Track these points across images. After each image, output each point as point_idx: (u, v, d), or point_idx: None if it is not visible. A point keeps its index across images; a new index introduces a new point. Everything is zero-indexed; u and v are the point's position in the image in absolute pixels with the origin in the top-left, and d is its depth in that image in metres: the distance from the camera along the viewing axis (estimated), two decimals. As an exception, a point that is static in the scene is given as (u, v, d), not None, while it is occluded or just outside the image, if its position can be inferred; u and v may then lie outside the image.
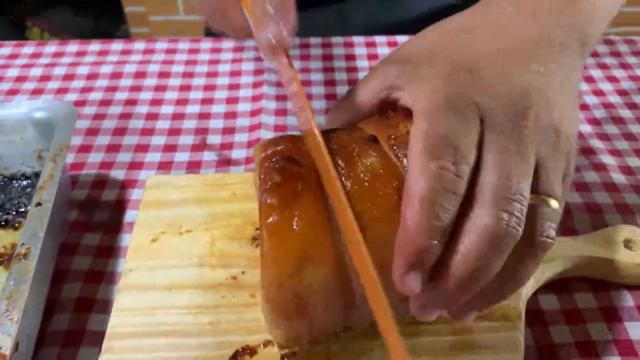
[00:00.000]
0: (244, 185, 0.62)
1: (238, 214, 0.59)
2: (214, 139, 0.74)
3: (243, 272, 0.54)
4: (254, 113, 0.78)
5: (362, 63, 0.86)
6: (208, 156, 0.71)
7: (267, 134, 0.74)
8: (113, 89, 0.82)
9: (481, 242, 0.37)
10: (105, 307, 0.55)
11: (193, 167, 0.70)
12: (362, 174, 0.43)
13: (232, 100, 0.80)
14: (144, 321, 0.50)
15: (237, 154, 0.72)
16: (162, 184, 0.62)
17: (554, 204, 0.39)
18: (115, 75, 0.84)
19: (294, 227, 0.41)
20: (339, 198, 0.41)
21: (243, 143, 0.73)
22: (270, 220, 0.42)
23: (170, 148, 0.72)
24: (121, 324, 0.50)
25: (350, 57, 0.87)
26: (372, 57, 0.87)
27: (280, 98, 0.79)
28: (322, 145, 0.44)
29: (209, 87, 0.82)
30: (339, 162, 0.44)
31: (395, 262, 0.39)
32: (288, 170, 0.43)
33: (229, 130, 0.75)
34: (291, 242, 0.41)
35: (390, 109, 0.47)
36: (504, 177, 0.37)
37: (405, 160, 0.43)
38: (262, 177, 0.44)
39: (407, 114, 0.45)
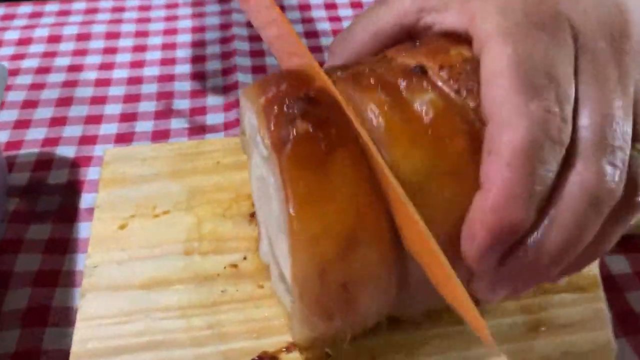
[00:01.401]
0: (228, 151, 0.50)
1: (227, 187, 0.47)
2: (181, 104, 0.61)
3: (245, 258, 0.42)
4: (226, 55, 0.66)
5: (345, 11, 0.75)
6: (177, 124, 0.59)
7: (245, 79, 0.62)
8: (51, 54, 0.68)
9: (581, 206, 0.29)
10: (65, 317, 0.42)
11: (159, 137, 0.57)
12: (419, 116, 0.32)
13: (198, 59, 0.67)
14: (120, 331, 0.38)
15: (212, 119, 0.59)
16: (125, 158, 0.50)
17: None
18: (53, 39, 0.70)
19: (334, 193, 0.30)
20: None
21: (218, 106, 0.61)
22: (300, 187, 0.30)
23: (128, 117, 0.60)
24: (89, 337, 0.37)
25: (331, 6, 0.76)
26: (355, 5, 0.76)
27: (255, 39, 0.69)
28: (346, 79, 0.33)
29: (168, 46, 0.70)
30: (383, 98, 0.32)
31: (472, 234, 0.30)
32: (313, 115, 0.32)
33: (198, 93, 0.63)
34: (334, 214, 0.30)
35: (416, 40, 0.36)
36: (607, 119, 0.29)
37: (469, 98, 0.32)
38: (274, 128, 0.32)
39: (452, 38, 0.34)
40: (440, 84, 0.33)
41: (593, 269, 0.41)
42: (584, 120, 0.30)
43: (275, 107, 0.33)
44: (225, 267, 0.41)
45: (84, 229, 0.48)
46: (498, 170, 0.29)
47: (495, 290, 0.32)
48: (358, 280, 0.31)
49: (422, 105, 0.32)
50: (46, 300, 0.43)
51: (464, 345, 0.37)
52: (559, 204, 0.29)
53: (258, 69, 0.66)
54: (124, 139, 0.57)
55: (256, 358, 0.36)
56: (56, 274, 0.45)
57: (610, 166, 0.29)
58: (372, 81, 0.34)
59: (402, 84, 0.33)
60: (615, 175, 0.29)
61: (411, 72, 0.33)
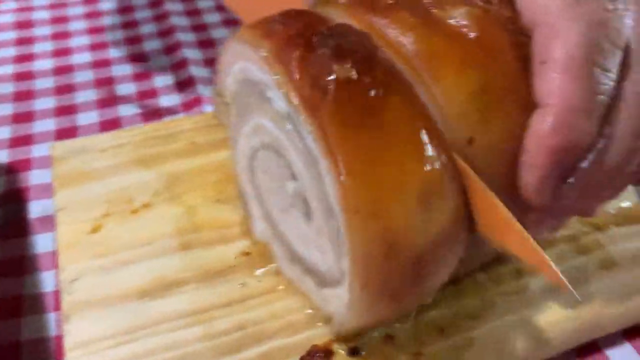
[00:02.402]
0: (202, 130, 0.43)
1: (211, 168, 0.40)
2: (126, 89, 0.53)
3: (255, 243, 0.35)
4: (164, 33, 0.59)
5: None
6: (126, 110, 0.50)
7: (194, 54, 0.55)
8: (-49, 50, 0.57)
9: (638, 114, 0.27)
10: (42, 351, 0.33)
11: (109, 127, 0.48)
12: (461, 32, 0.27)
13: (133, 40, 0.59)
14: (123, 354, 0.30)
15: (167, 100, 0.51)
16: (79, 151, 0.41)
17: None
18: (-49, 34, 0.59)
19: (393, 150, 0.25)
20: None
21: (169, 86, 0.53)
22: (351, 148, 0.24)
23: (65, 110, 0.51)
24: (86, 368, 0.29)
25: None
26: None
27: (193, 13, 0.63)
28: None
29: (95, 30, 0.61)
30: (412, 19, 0.27)
31: (533, 163, 0.26)
32: (351, 55, 0.26)
33: (142, 76, 0.54)
34: (397, 175, 0.24)
35: None
36: None
37: (502, 7, 0.28)
38: (300, 77, 0.25)
39: None
40: None
41: (633, 198, 0.38)
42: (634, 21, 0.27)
43: (298, 50, 0.26)
44: (235, 257, 0.34)
45: (42, 242, 0.39)
46: (556, 82, 0.25)
47: (552, 221, 0.29)
48: (433, 249, 0.25)
49: (461, 19, 0.27)
50: (12, 336, 0.34)
51: (533, 300, 0.32)
52: (618, 115, 0.27)
53: (206, 43, 0.58)
54: (66, 134, 0.48)
55: (305, 355, 0.30)
56: (18, 301, 0.36)
57: None
58: (389, 0, 0.28)
59: None
60: None
61: None
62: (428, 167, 0.25)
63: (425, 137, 0.25)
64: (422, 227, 0.25)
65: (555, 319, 0.32)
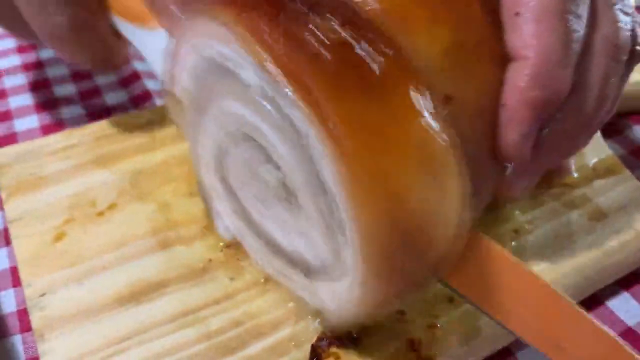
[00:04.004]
0: (159, 123, 0.40)
1: (177, 161, 0.37)
2: (64, 90, 0.49)
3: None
4: None
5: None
6: (70, 112, 0.46)
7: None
8: None
9: (606, 59, 0.27)
10: (12, 377, 0.30)
11: (53, 131, 0.44)
12: None
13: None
14: (112, 368, 0.27)
15: (113, 97, 0.48)
16: (25, 156, 0.37)
17: None
18: None
19: (390, 113, 0.23)
20: None
21: (112, 83, 0.49)
22: (346, 111, 0.22)
23: (0, 117, 0.46)
24: (71, 389, 0.26)
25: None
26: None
27: None
28: None
29: (20, 32, 0.55)
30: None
31: (512, 117, 0.25)
32: (338, 9, 0.24)
33: (80, 76, 0.50)
34: (401, 138, 0.23)
35: None
36: None
37: None
38: (285, 45, 0.22)
39: None
40: None
41: (606, 150, 0.38)
42: None
43: (269, 10, 0.24)
44: (222, 249, 0.32)
45: (-8, 261, 0.35)
46: (531, 33, 0.25)
47: (530, 178, 0.29)
48: (435, 212, 0.23)
49: None
50: (-26, 365, 0.30)
51: (533, 258, 0.32)
52: (589, 62, 0.27)
53: (145, 37, 0.55)
54: (5, 141, 0.43)
55: (314, 344, 0.28)
56: (-25, 327, 0.32)
57: (624, 14, 0.27)
58: None
59: None
60: (628, 23, 0.27)
61: None
62: (429, 130, 0.23)
63: (421, 100, 0.24)
64: (427, 195, 0.23)
65: (556, 276, 0.31)
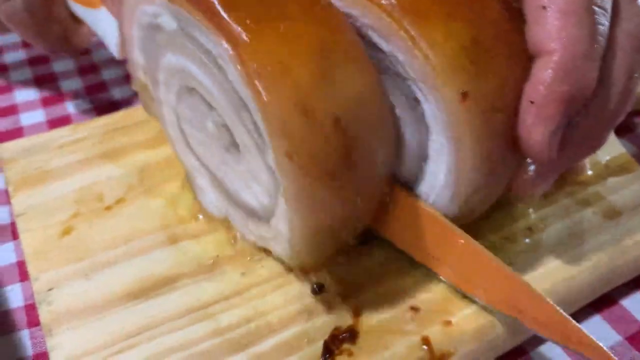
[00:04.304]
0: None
1: (186, 156, 0.37)
2: (71, 84, 0.48)
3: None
4: None
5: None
6: (76, 106, 0.46)
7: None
8: None
9: (630, 53, 0.26)
10: (19, 372, 0.29)
11: (59, 125, 0.44)
12: None
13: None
14: (122, 364, 0.26)
15: (120, 92, 0.47)
16: (30, 150, 0.37)
17: None
18: None
19: (287, 7, 0.25)
20: None
21: (118, 78, 0.49)
22: (243, 6, 0.24)
23: (5, 111, 0.45)
24: (80, 385, 0.26)
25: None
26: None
27: None
28: None
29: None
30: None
31: (538, 114, 0.25)
32: None
33: (86, 70, 0.50)
34: (296, 30, 0.24)
35: None
36: None
37: None
38: None
39: None
40: None
41: (619, 148, 0.38)
42: None
43: None
44: (232, 242, 0.31)
45: (0, 255, 0.35)
46: (558, 26, 0.24)
47: (554, 175, 0.29)
48: (350, 116, 0.24)
49: None
50: (-19, 359, 0.30)
51: (547, 256, 0.31)
52: (613, 57, 0.26)
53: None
54: (11, 136, 0.43)
55: (329, 338, 0.27)
56: (-18, 321, 0.31)
57: None
58: None
59: None
60: None
61: None
62: (327, 26, 0.24)
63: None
64: (332, 88, 0.23)
65: (571, 274, 0.31)
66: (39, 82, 0.48)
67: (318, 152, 0.23)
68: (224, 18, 0.23)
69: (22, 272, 0.33)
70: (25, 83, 0.48)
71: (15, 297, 0.32)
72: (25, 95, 0.47)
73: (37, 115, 0.45)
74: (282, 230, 0.26)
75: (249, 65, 0.22)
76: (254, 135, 0.25)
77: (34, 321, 0.31)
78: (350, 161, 0.24)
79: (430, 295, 0.29)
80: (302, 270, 0.29)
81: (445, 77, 0.25)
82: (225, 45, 0.23)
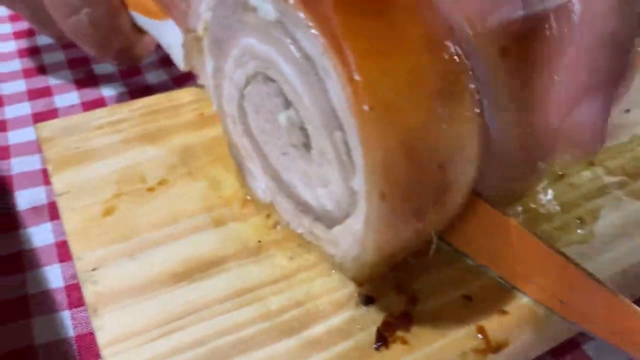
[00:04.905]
0: (206, 101, 0.39)
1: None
2: (104, 68, 0.48)
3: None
4: None
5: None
6: (110, 90, 0.46)
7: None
8: None
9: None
10: (61, 353, 0.29)
11: (93, 108, 0.43)
12: None
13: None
14: (169, 347, 0.26)
15: (153, 77, 0.47)
16: (70, 129, 0.36)
17: None
18: None
19: (405, 39, 0.22)
20: None
21: (152, 63, 0.48)
22: (359, 38, 0.22)
23: (38, 93, 0.45)
24: (128, 365, 0.25)
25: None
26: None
27: None
28: None
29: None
30: None
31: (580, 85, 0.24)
32: None
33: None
34: (411, 67, 0.22)
35: None
36: None
37: None
38: None
39: None
40: None
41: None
42: None
43: None
44: (277, 228, 0.31)
45: (38, 235, 0.34)
46: None
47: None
48: (454, 156, 0.23)
49: None
50: (25, 340, 0.29)
51: (602, 247, 0.31)
52: None
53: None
54: (45, 117, 0.42)
55: (382, 324, 0.26)
56: (24, 302, 0.31)
57: None
58: None
59: None
60: None
61: None
62: (446, 60, 0.22)
63: (435, 27, 0.23)
64: (442, 129, 0.22)
65: (626, 265, 0.30)
66: (73, 64, 0.48)
67: (412, 195, 0.22)
68: (343, 43, 0.21)
69: (61, 252, 0.33)
70: (59, 66, 0.48)
71: (54, 277, 0.32)
72: (59, 77, 0.46)
73: (72, 98, 0.44)
74: (347, 244, 0.25)
75: (361, 99, 0.21)
76: (341, 154, 0.24)
77: (74, 302, 0.30)
78: (441, 201, 0.23)
79: (483, 284, 0.28)
80: (354, 281, 0.28)
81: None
82: (340, 69, 0.21)
